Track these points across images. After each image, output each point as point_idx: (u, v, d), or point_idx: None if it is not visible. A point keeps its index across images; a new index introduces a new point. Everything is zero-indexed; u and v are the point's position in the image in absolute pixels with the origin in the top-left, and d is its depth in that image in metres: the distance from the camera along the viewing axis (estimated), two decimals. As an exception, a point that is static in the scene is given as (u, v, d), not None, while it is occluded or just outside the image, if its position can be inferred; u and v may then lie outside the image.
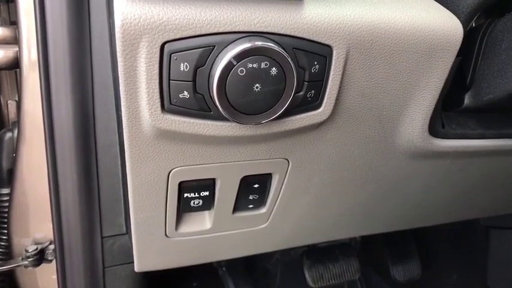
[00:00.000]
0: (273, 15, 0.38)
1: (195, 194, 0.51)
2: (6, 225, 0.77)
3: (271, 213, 0.58)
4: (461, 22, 0.46)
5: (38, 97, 0.63)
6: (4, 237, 0.78)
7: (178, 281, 1.09)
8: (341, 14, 0.40)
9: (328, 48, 0.40)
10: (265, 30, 0.38)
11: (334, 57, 0.41)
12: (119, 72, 0.37)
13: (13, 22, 0.80)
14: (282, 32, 0.38)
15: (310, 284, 1.05)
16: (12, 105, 0.87)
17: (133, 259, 0.67)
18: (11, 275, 0.81)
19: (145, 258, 0.62)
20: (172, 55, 0.36)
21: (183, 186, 0.50)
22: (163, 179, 0.47)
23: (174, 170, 0.47)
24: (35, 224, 0.76)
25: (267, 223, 0.59)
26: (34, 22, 0.57)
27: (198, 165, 0.47)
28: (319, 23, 0.39)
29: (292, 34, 0.39)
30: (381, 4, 0.43)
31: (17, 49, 0.70)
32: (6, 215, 0.77)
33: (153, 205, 0.51)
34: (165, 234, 0.56)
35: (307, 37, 0.39)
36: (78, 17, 0.56)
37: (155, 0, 0.35)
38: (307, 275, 1.05)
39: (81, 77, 0.59)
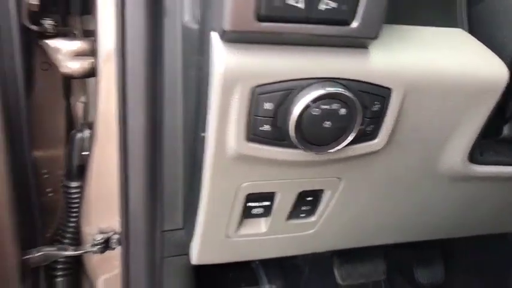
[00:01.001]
0: (343, 63, 0.44)
1: (257, 204, 0.58)
2: (75, 215, 0.87)
3: (319, 221, 0.65)
4: (506, 65, 0.51)
5: (111, 102, 0.72)
6: (72, 224, 0.88)
7: (217, 271, 1.17)
8: (401, 61, 0.47)
9: (389, 90, 0.47)
10: (335, 76, 0.44)
11: (392, 98, 0.47)
12: (213, 107, 0.45)
13: (85, 32, 0.88)
14: (350, 77, 0.45)
15: (339, 281, 1.12)
16: (80, 107, 0.97)
17: (187, 251, 0.76)
18: (77, 259, 0.91)
19: (205, 253, 0.70)
20: (259, 96, 0.43)
21: (248, 197, 0.57)
22: (234, 192, 0.55)
23: (244, 184, 0.54)
24: (102, 216, 0.85)
25: (314, 229, 0.67)
26: (110, 34, 0.66)
27: (264, 181, 0.54)
28: (382, 69, 0.46)
29: (358, 79, 0.45)
30: (436, 51, 0.49)
31: (92, 60, 0.79)
32: (75, 205, 0.87)
33: (221, 212, 0.59)
34: (226, 235, 0.64)
35: (371, 81, 0.46)
36: (154, 33, 0.63)
37: (249, 52, 0.42)
38: (336, 273, 1.12)
39: (153, 90, 0.67)
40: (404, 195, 0.62)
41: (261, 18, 0.39)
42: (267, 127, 0.45)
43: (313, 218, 0.64)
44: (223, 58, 0.41)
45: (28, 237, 0.80)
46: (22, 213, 0.75)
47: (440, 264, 1.20)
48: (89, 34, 0.85)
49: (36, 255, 0.78)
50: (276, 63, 0.43)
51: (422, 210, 0.67)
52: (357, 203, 0.63)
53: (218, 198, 0.57)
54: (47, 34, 0.79)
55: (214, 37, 0.42)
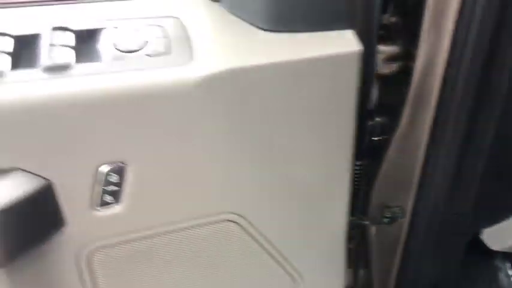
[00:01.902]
0: None
1: None
2: (356, 188, 1.03)
3: None
4: None
5: (421, 101, 0.83)
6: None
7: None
8: None
9: None
10: None
11: None
12: None
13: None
14: None
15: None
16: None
17: (462, 231, 0.88)
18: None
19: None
20: None
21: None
22: None
23: None
24: (390, 192, 0.99)
25: None
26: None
27: None
28: None
29: None
30: None
31: (397, 64, 0.91)
32: (358, 182, 1.02)
33: None
34: None
35: None
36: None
37: None
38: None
39: (480, 98, 0.77)
40: None
41: None
42: None
43: None
44: None
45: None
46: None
47: None
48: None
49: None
50: None
51: None
52: None
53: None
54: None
55: None
